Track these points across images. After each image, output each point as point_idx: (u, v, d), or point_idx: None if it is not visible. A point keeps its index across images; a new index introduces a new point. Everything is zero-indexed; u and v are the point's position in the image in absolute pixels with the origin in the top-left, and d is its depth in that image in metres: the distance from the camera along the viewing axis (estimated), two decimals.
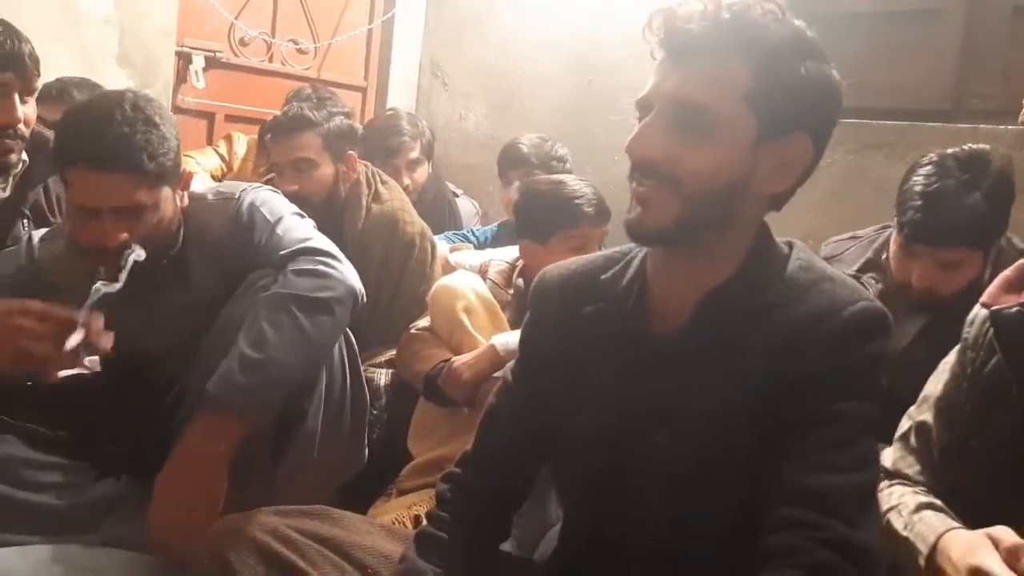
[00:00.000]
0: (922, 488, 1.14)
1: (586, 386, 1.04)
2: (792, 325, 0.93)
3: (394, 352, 1.95)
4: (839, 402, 0.91)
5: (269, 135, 2.26)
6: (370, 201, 2.23)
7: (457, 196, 3.09)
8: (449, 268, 2.22)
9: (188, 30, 3.04)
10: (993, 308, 1.08)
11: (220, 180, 2.84)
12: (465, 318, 1.80)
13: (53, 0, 2.59)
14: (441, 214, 2.87)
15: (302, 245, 1.50)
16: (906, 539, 1.06)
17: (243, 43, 3.26)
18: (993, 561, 0.89)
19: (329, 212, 2.13)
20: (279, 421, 1.45)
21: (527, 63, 3.39)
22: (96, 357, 1.23)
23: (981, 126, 2.35)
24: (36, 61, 1.68)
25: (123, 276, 1.35)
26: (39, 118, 1.81)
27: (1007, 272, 1.11)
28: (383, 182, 2.30)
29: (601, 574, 1.05)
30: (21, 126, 1.69)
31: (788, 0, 0.95)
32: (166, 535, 1.27)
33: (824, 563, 0.84)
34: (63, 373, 1.21)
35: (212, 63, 3.13)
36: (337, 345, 1.52)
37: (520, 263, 1.96)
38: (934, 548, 1.01)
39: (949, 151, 1.59)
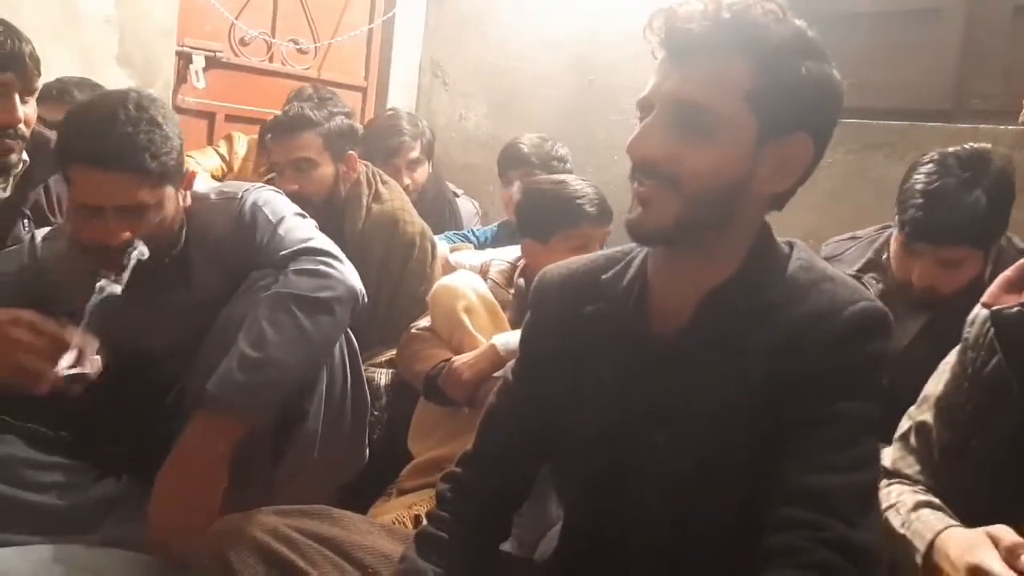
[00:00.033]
0: (921, 487, 1.14)
1: (587, 386, 1.04)
2: (793, 325, 0.93)
3: (394, 352, 1.95)
4: (840, 402, 0.91)
5: (270, 135, 2.26)
6: (370, 201, 2.23)
7: (457, 196, 3.09)
8: (449, 268, 2.22)
9: (188, 30, 3.04)
10: (994, 308, 1.08)
11: (220, 180, 2.84)
12: (465, 318, 1.80)
13: (53, 0, 2.59)
14: (441, 214, 2.87)
15: (303, 245, 1.50)
16: (903, 537, 1.06)
17: (243, 43, 3.26)
18: (993, 560, 0.89)
19: (329, 212, 2.13)
20: (280, 421, 1.45)
21: (527, 63, 3.39)
22: (97, 357, 1.23)
23: (981, 126, 2.35)
24: (36, 61, 1.68)
25: (126, 274, 1.35)
26: (39, 118, 1.81)
27: (1007, 272, 1.11)
28: (383, 182, 2.30)
29: (601, 574, 1.05)
30: (21, 126, 1.69)
31: (789, 0, 0.95)
32: (165, 534, 1.27)
33: (825, 563, 0.84)
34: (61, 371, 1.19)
35: (212, 63, 3.13)
36: (338, 345, 1.52)
37: (521, 263, 1.96)
38: (931, 546, 1.01)
39: (950, 150, 1.59)
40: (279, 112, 2.32)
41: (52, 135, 1.84)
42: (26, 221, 1.82)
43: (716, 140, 0.93)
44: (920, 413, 1.19)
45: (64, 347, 1.18)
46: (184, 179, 1.51)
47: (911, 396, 1.22)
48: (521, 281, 1.90)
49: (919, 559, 1.02)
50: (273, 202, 1.59)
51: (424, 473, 1.74)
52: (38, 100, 1.77)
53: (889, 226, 1.78)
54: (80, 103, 1.57)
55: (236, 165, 2.94)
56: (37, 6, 2.51)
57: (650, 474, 0.99)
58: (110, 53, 2.76)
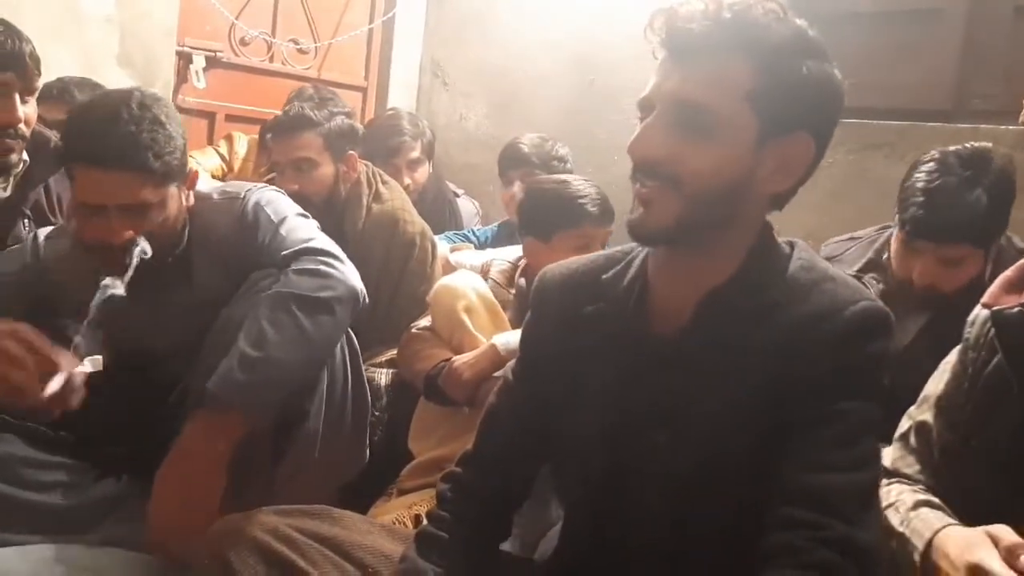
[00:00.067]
0: (921, 487, 1.14)
1: (587, 386, 1.04)
2: (794, 325, 0.93)
3: (395, 352, 1.95)
4: (840, 402, 0.90)
5: (270, 134, 2.27)
6: (371, 201, 2.23)
7: (458, 196, 3.09)
8: (449, 268, 2.22)
9: (189, 30, 3.04)
10: (994, 308, 1.08)
11: (220, 180, 2.84)
12: (466, 318, 1.80)
13: (54, 0, 2.59)
14: (441, 214, 2.87)
15: (304, 245, 1.50)
16: (901, 535, 1.06)
17: (244, 43, 3.26)
18: (992, 559, 0.89)
19: (330, 212, 2.13)
20: (280, 421, 1.45)
21: (528, 63, 3.39)
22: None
23: (982, 126, 2.35)
24: (37, 61, 1.68)
25: (129, 273, 1.35)
26: (40, 118, 1.81)
27: (1008, 272, 1.11)
28: (384, 182, 2.31)
29: (602, 574, 1.05)
30: (22, 126, 1.69)
31: (789, 0, 0.95)
32: (165, 534, 1.27)
33: (825, 563, 0.84)
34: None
35: (213, 63, 3.13)
36: (339, 345, 1.52)
37: (523, 263, 1.96)
38: (929, 544, 1.01)
39: (951, 148, 1.59)
40: (279, 112, 2.32)
41: (52, 135, 1.84)
42: (26, 221, 1.83)
43: (717, 140, 0.92)
44: (920, 413, 1.19)
45: (54, 370, 1.16)
46: (187, 178, 1.52)
47: (911, 396, 1.22)
48: (522, 281, 1.90)
49: (917, 557, 1.02)
50: (276, 202, 1.59)
51: (424, 473, 1.74)
52: (38, 100, 1.77)
53: (889, 226, 1.78)
54: (84, 102, 1.57)
55: (236, 165, 2.94)
56: (38, 6, 2.51)
57: (650, 474, 0.99)
58: (110, 53, 2.76)
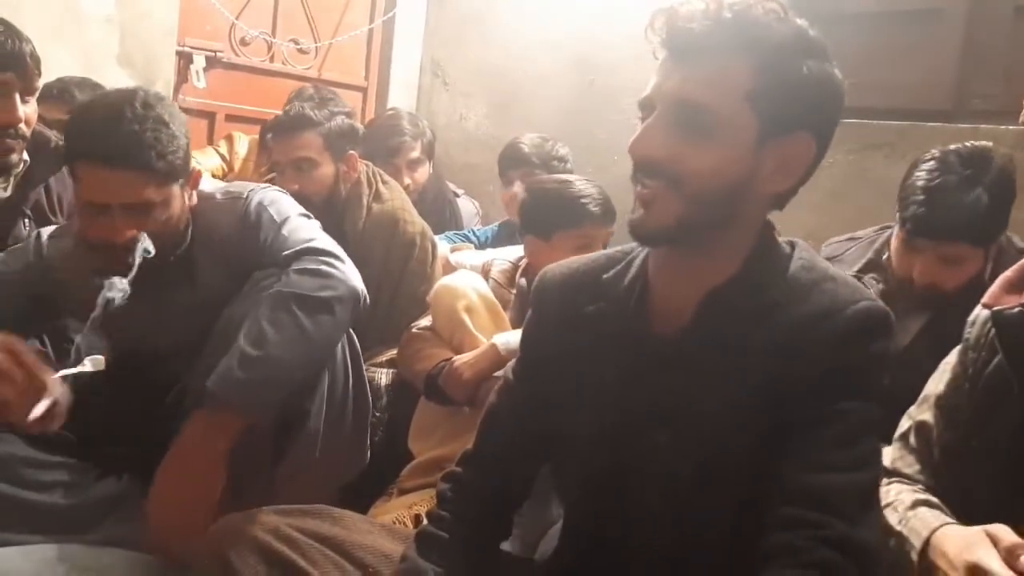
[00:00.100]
0: (920, 487, 1.14)
1: (587, 385, 1.04)
2: (794, 325, 0.93)
3: (395, 352, 1.95)
4: (841, 401, 0.91)
5: (270, 134, 2.27)
6: (371, 201, 2.23)
7: (458, 196, 3.09)
8: (449, 268, 2.22)
9: (189, 30, 3.04)
10: (995, 309, 1.08)
11: (221, 180, 2.84)
12: (466, 317, 1.80)
13: (54, 0, 2.59)
14: (442, 214, 2.87)
15: (306, 245, 1.50)
16: (899, 533, 1.06)
17: (244, 43, 3.26)
18: (992, 559, 0.89)
19: (330, 212, 2.13)
20: (281, 421, 1.45)
21: (528, 63, 3.39)
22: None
23: (982, 126, 2.35)
24: (37, 61, 1.68)
25: (133, 272, 1.35)
26: (40, 118, 1.81)
27: (1008, 273, 1.11)
28: (384, 182, 2.31)
29: (602, 574, 1.05)
30: (22, 126, 1.69)
31: (790, 0, 0.96)
32: (164, 532, 1.27)
33: (825, 562, 0.84)
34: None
35: (213, 63, 3.13)
36: (340, 345, 1.52)
37: (523, 262, 1.96)
38: (927, 543, 1.01)
39: (951, 147, 1.59)
40: (280, 112, 2.32)
41: (53, 135, 1.84)
42: (27, 221, 1.83)
43: (717, 140, 0.92)
44: (920, 413, 1.19)
45: (41, 388, 1.15)
46: (191, 178, 1.52)
47: (911, 396, 1.22)
48: (523, 280, 1.90)
49: (915, 556, 1.02)
50: (278, 202, 1.60)
51: (425, 473, 1.74)
52: (38, 100, 1.77)
53: (889, 226, 1.78)
54: (87, 101, 1.57)
55: (237, 165, 2.94)
56: (38, 6, 2.51)
57: (651, 474, 0.99)
58: (111, 53, 2.76)
